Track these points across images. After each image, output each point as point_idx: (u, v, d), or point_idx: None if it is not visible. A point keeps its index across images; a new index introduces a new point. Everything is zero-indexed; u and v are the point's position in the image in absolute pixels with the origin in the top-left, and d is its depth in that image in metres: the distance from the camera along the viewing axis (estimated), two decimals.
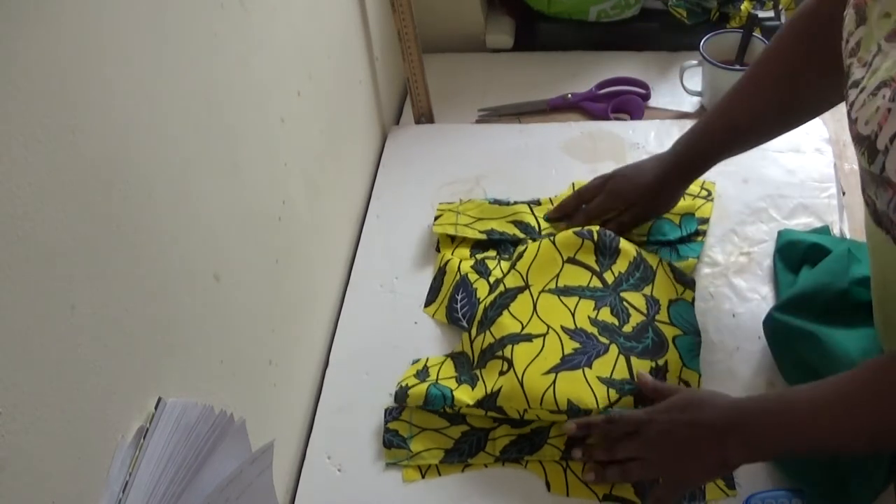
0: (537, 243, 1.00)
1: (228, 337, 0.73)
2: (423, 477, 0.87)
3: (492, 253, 1.05)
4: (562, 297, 0.95)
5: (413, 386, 0.91)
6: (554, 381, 0.86)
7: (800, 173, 1.11)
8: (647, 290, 0.95)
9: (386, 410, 0.91)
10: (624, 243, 0.98)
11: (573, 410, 0.85)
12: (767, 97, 0.90)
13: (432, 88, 1.25)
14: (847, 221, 1.05)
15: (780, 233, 1.02)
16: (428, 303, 1.02)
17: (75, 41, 0.51)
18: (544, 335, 0.91)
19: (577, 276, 0.96)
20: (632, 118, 1.25)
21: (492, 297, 0.97)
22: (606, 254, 0.97)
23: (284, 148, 0.87)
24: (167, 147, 0.62)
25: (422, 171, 1.18)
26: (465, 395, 0.88)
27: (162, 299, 0.61)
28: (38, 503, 0.48)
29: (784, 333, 0.88)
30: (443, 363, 0.95)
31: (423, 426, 0.90)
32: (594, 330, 0.91)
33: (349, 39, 1.09)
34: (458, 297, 1.00)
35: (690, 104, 1.26)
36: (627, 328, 0.92)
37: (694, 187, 1.06)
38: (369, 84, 1.18)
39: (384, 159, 1.21)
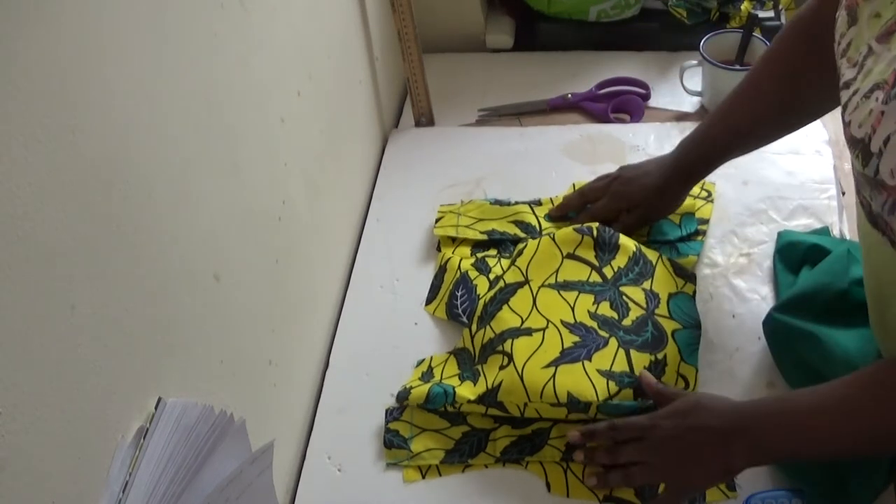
0: (537, 240, 1.00)
1: (228, 337, 0.73)
2: (423, 477, 0.87)
3: (492, 252, 1.05)
4: (561, 292, 0.95)
5: (416, 387, 0.91)
6: (554, 375, 0.86)
7: (799, 175, 1.11)
8: (646, 285, 0.96)
9: (387, 411, 0.91)
10: (623, 239, 0.99)
11: (573, 403, 0.85)
12: (769, 100, 0.90)
13: (432, 88, 1.25)
14: (847, 222, 1.05)
15: (779, 234, 1.02)
16: (429, 301, 1.02)
17: (75, 41, 0.51)
18: (544, 329, 0.91)
19: (576, 271, 0.97)
20: (632, 118, 1.25)
21: (492, 292, 0.97)
22: (606, 249, 0.98)
23: (284, 148, 0.87)
24: (167, 147, 0.62)
25: (422, 174, 1.18)
26: (467, 391, 0.88)
27: (162, 299, 0.61)
28: (38, 503, 0.48)
29: (784, 334, 0.88)
30: (446, 361, 0.95)
31: (424, 427, 0.90)
32: (594, 324, 0.92)
33: (349, 39, 1.09)
34: (458, 294, 1.00)
35: (690, 104, 1.26)
36: (627, 322, 0.92)
37: (694, 188, 1.06)
38: (369, 84, 1.18)
39: (385, 161, 1.22)
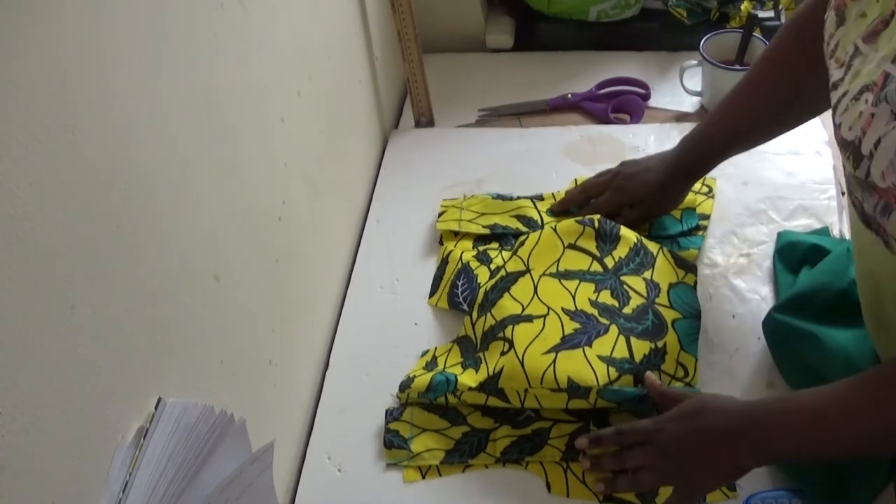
0: (539, 231, 1.01)
1: (228, 337, 0.73)
2: (423, 477, 0.87)
3: (494, 244, 1.06)
4: (562, 281, 0.95)
5: (419, 375, 0.91)
6: (554, 360, 0.86)
7: (799, 175, 1.11)
8: (647, 275, 0.96)
9: (387, 411, 0.91)
10: (624, 230, 0.99)
11: (573, 388, 0.85)
12: (767, 99, 0.90)
13: (432, 88, 1.25)
14: (846, 222, 1.05)
15: (779, 234, 1.02)
16: (431, 293, 1.03)
17: (75, 41, 0.51)
18: (545, 316, 0.91)
19: (577, 261, 0.97)
20: (632, 118, 1.25)
21: (493, 281, 0.98)
22: (607, 240, 0.98)
23: (284, 148, 0.87)
24: (167, 147, 0.62)
25: (422, 175, 1.18)
26: (469, 379, 0.89)
27: (162, 299, 0.61)
28: (37, 503, 0.48)
29: (784, 334, 0.88)
30: (450, 350, 0.96)
31: (424, 427, 0.90)
32: (594, 311, 0.92)
33: (349, 39, 1.09)
34: (459, 283, 1.01)
35: (690, 104, 1.26)
36: (627, 310, 0.92)
37: (695, 184, 1.06)
38: (369, 84, 1.18)
39: (385, 163, 1.22)
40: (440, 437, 0.89)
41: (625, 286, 0.95)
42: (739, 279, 1.00)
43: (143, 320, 0.59)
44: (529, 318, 0.91)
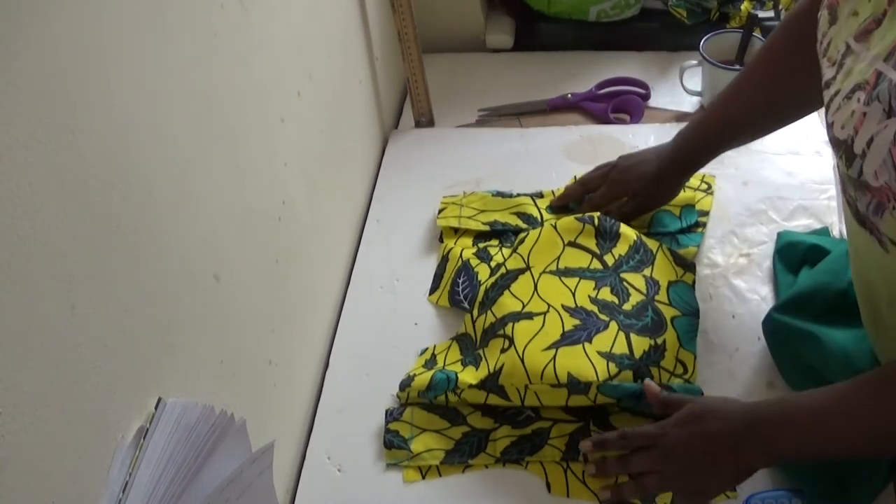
0: (539, 229, 1.01)
1: (228, 337, 0.73)
2: (423, 478, 0.87)
3: (494, 242, 1.06)
4: (562, 278, 0.96)
5: (420, 374, 0.92)
6: (554, 357, 0.87)
7: (799, 175, 1.11)
8: (646, 272, 0.96)
9: (387, 411, 0.91)
10: (624, 228, 1.00)
11: (573, 384, 0.85)
12: (763, 95, 0.91)
13: (432, 88, 1.25)
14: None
15: (779, 234, 1.02)
16: (431, 291, 1.03)
17: (75, 41, 0.51)
18: (545, 313, 0.92)
19: (577, 259, 0.97)
20: (632, 118, 1.25)
21: (493, 278, 0.98)
22: (607, 237, 0.99)
23: (284, 148, 0.87)
24: (167, 147, 0.62)
25: (422, 175, 1.18)
26: (469, 376, 0.89)
27: (162, 299, 0.61)
28: (37, 503, 0.48)
29: (783, 334, 0.89)
30: (449, 347, 0.96)
31: (424, 427, 0.90)
32: (594, 308, 0.92)
33: (349, 39, 1.09)
34: (460, 281, 1.01)
35: (690, 104, 1.26)
36: (627, 307, 0.93)
37: (694, 180, 1.07)
38: (369, 84, 1.18)
39: (385, 163, 1.22)
40: (440, 437, 0.89)
41: (624, 283, 0.95)
42: (739, 279, 1.00)
43: (143, 320, 0.59)
44: (529, 316, 0.92)
